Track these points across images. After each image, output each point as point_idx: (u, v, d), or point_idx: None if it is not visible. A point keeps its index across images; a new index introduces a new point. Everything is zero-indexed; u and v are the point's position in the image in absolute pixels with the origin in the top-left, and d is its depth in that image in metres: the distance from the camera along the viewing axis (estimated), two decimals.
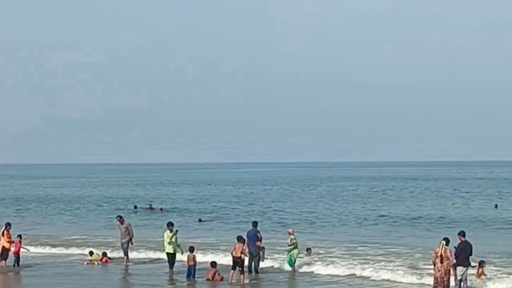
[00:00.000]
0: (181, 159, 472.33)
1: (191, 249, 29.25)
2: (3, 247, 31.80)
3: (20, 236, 32.91)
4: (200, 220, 56.01)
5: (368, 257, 33.54)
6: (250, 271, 29.43)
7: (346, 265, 31.10)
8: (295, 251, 30.69)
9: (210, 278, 28.46)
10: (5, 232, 31.98)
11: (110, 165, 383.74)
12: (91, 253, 34.60)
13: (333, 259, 32.73)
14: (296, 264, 30.78)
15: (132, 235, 32.37)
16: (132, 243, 32.49)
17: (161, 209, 65.43)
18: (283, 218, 56.71)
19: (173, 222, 31.24)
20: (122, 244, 32.48)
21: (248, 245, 29.24)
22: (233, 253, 27.98)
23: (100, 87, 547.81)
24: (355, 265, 31.03)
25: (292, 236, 30.69)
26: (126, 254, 32.55)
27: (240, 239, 28.32)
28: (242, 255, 27.86)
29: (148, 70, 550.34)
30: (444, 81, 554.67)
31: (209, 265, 29.30)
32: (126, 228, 32.35)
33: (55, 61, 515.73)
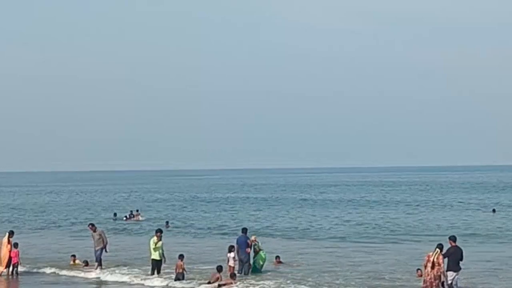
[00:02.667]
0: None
1: (181, 257, 29.12)
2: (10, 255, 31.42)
3: (16, 244, 31.97)
4: (167, 223, 55.85)
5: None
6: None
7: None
8: (260, 253, 30.40)
9: (211, 282, 27.99)
10: (10, 240, 31.64)
11: None
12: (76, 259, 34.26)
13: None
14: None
15: (106, 243, 32.12)
16: (106, 251, 32.19)
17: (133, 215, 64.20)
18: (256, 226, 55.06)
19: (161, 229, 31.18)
20: (96, 251, 32.12)
21: (238, 252, 29.34)
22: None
23: None
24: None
25: (254, 243, 30.41)
26: (98, 260, 32.04)
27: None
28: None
29: None
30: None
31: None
32: (100, 235, 32.10)
33: None
